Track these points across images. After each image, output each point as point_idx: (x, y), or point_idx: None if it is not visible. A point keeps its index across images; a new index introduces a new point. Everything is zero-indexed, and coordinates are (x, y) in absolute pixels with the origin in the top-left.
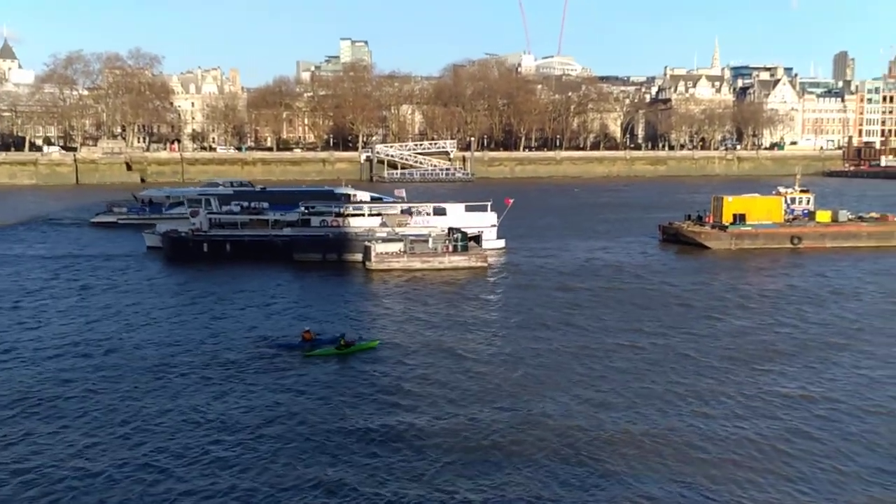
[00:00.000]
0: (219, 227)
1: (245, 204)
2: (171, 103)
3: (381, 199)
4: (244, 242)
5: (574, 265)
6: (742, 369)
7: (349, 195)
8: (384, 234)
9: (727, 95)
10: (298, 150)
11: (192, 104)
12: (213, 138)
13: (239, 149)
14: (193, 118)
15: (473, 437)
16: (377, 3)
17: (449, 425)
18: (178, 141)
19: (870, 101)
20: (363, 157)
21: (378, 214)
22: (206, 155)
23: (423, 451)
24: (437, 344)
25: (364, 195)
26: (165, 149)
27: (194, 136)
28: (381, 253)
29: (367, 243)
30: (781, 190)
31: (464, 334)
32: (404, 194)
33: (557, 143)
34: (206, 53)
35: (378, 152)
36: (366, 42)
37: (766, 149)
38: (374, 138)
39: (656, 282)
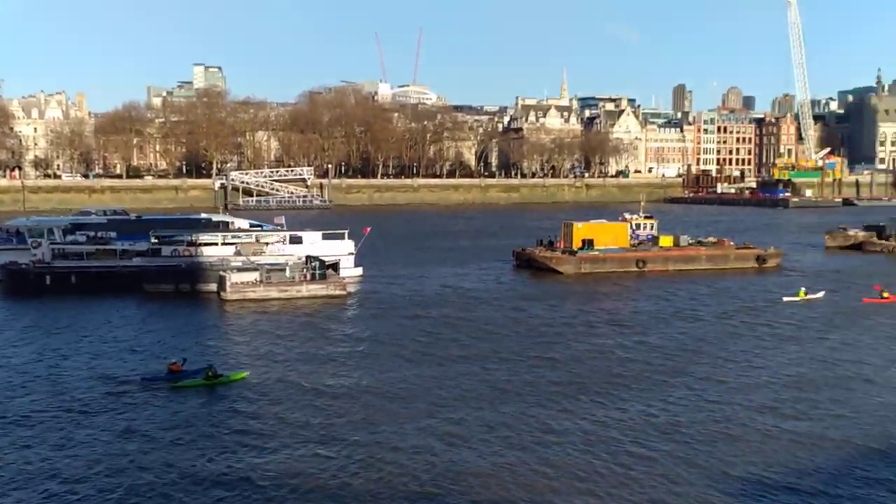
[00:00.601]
0: (63, 257)
1: (91, 234)
2: (11, 128)
3: (260, 226)
4: (90, 274)
5: (431, 292)
6: (587, 395)
7: (227, 223)
8: (239, 264)
9: (575, 125)
10: (150, 178)
11: (35, 129)
12: (59, 165)
13: (86, 176)
14: (36, 144)
15: (324, 477)
16: (231, 28)
17: (303, 466)
18: (19, 168)
19: (706, 131)
20: (217, 184)
21: (232, 243)
22: (50, 182)
23: (275, 495)
24: (295, 376)
25: (243, 223)
26: (5, 176)
27: (37, 163)
28: (237, 283)
29: (221, 273)
30: (627, 216)
31: (322, 365)
32: (283, 221)
33: (414, 171)
34: (50, 77)
35: (233, 179)
36: (220, 68)
37: (612, 176)
38: (228, 165)
39: (509, 308)
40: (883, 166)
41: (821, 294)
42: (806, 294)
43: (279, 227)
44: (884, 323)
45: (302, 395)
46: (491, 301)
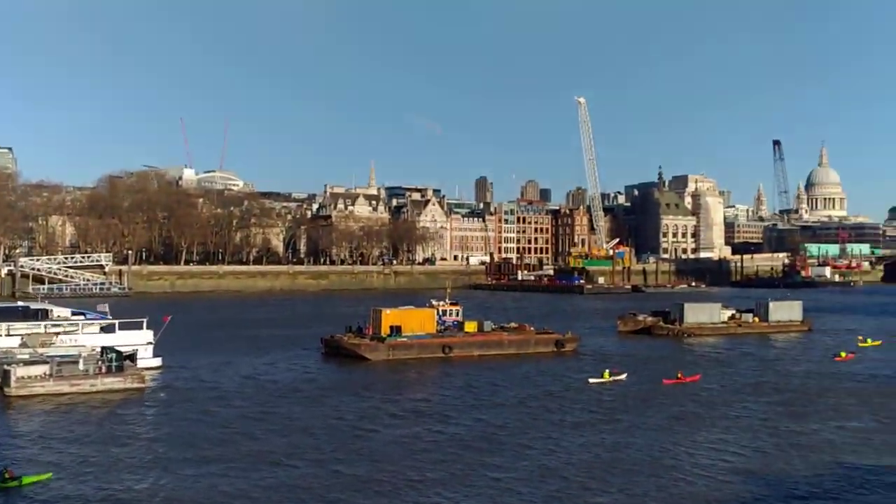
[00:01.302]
0: None
1: None
2: None
3: (83, 314)
4: None
5: (234, 384)
6: (384, 492)
7: (47, 311)
8: (27, 356)
9: (383, 213)
10: None
11: None
12: None
13: None
14: None
15: None
16: (23, 108)
17: None
18: None
19: (506, 221)
20: (5, 270)
21: (18, 334)
22: None
23: None
24: (83, 480)
25: (63, 311)
26: None
27: None
28: (23, 377)
29: (5, 367)
30: (434, 302)
31: (113, 467)
32: (107, 309)
33: (220, 258)
34: None
35: (22, 266)
36: (10, 149)
37: (419, 264)
38: (17, 251)
39: (313, 399)
40: (666, 255)
41: (624, 376)
42: (610, 376)
43: (103, 316)
44: (680, 403)
45: (92, 501)
46: (295, 392)
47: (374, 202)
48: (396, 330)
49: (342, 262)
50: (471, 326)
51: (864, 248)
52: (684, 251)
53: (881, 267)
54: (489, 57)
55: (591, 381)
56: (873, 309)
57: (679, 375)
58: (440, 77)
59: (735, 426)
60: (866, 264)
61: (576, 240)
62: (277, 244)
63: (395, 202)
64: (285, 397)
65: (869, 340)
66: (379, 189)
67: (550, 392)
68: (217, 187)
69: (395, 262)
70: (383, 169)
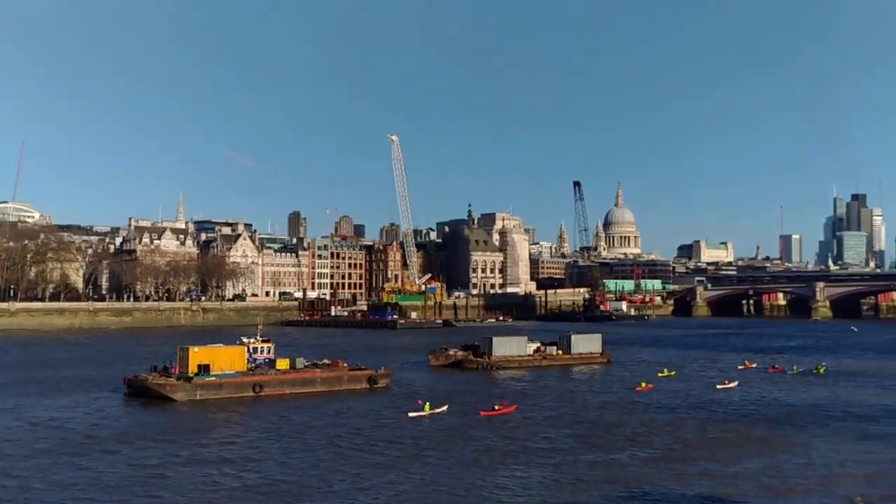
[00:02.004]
0: None
1: None
2: None
3: None
4: None
5: (23, 432)
6: None
7: None
8: None
9: (192, 248)
10: None
11: None
12: None
13: None
14: None
15: None
16: None
17: None
18: None
19: (320, 256)
20: None
21: None
22: None
23: None
24: None
25: None
26: None
27: None
28: None
29: None
30: (244, 339)
31: None
32: None
33: (12, 294)
34: None
35: None
36: None
37: (229, 300)
38: None
39: (108, 446)
40: (476, 290)
41: (444, 408)
42: (431, 408)
43: None
44: (489, 436)
45: None
46: (90, 438)
47: (181, 236)
48: (204, 369)
49: (147, 299)
50: (283, 364)
51: (657, 284)
52: (492, 286)
53: (671, 301)
54: (302, 93)
55: (411, 414)
56: (665, 341)
57: (496, 407)
58: (253, 112)
59: (538, 459)
60: (658, 299)
61: (389, 275)
62: (77, 280)
63: (204, 236)
64: (80, 444)
65: (666, 371)
66: (187, 223)
67: (361, 430)
68: (10, 219)
69: (203, 298)
70: (193, 203)
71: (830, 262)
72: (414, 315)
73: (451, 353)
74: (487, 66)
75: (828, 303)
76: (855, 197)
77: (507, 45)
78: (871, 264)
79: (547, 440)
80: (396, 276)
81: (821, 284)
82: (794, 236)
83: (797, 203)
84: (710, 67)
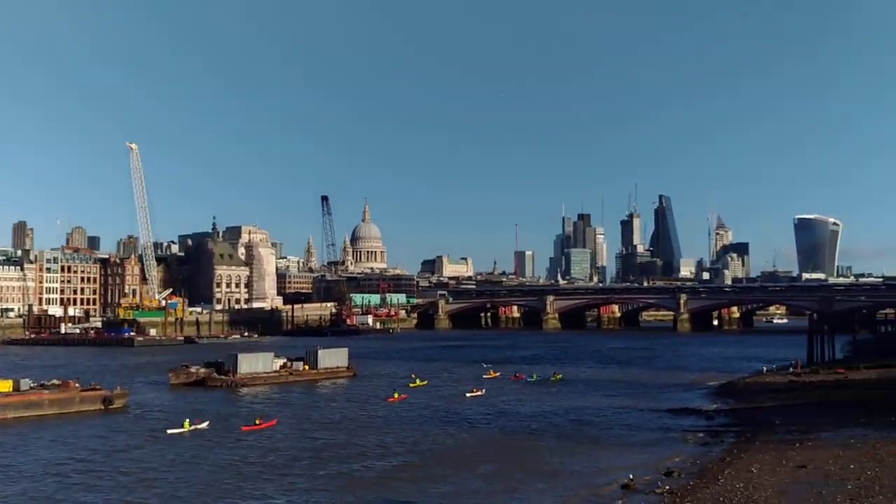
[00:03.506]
0: None
1: None
2: None
3: None
4: None
5: None
6: None
7: None
8: None
9: None
10: None
11: None
12: None
13: None
14: None
15: None
16: None
17: None
18: None
19: (49, 270)
20: None
21: None
22: None
23: None
24: None
25: None
26: None
27: None
28: None
29: None
30: None
31: None
32: None
33: None
34: None
35: None
36: None
37: None
38: None
39: None
40: (220, 306)
41: (205, 424)
42: (191, 425)
43: None
44: (238, 452)
45: None
46: None
47: None
48: None
49: None
50: (5, 386)
51: (402, 298)
52: (238, 301)
53: (415, 315)
54: (35, 92)
55: (169, 431)
56: (410, 353)
57: (258, 422)
58: None
59: (286, 472)
60: (403, 312)
61: (127, 290)
62: None
63: None
64: None
65: (418, 381)
66: None
67: (86, 457)
68: None
69: None
70: None
71: (559, 277)
72: (153, 332)
73: (193, 370)
74: (235, 72)
75: (557, 315)
76: (581, 216)
77: (256, 52)
78: (595, 279)
79: (297, 453)
80: (134, 291)
81: (551, 298)
82: (528, 252)
83: (531, 221)
84: (453, 84)
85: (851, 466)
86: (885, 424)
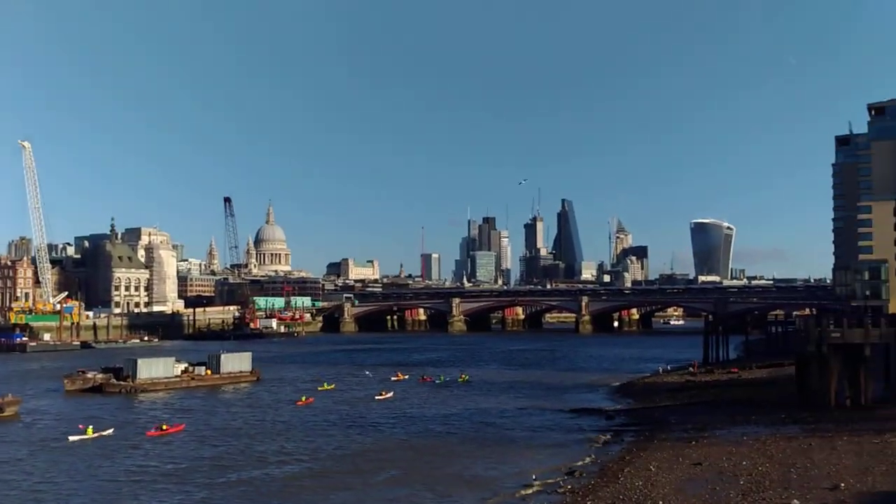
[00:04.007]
0: None
1: None
2: None
3: None
4: None
5: None
6: None
7: None
8: None
9: None
10: None
11: None
12: None
13: None
14: None
15: None
16: None
17: None
18: None
19: None
20: None
21: None
22: None
23: None
24: None
25: None
26: None
27: None
28: None
29: None
30: None
31: None
32: None
33: None
34: None
35: None
36: None
37: None
38: None
39: None
40: (118, 310)
41: (111, 431)
42: (94, 431)
43: None
44: (153, 454)
45: None
46: None
47: None
48: None
49: None
50: None
51: (307, 301)
52: (138, 305)
53: (321, 318)
54: None
55: (71, 438)
56: (315, 357)
57: (164, 427)
58: None
59: (184, 480)
60: (308, 316)
61: (18, 294)
62: None
63: None
64: None
65: (326, 384)
66: None
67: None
68: None
69: None
70: None
71: (465, 280)
72: (47, 337)
73: (90, 376)
74: (131, 71)
75: (463, 317)
76: (486, 220)
77: (151, 51)
78: (500, 282)
79: (193, 461)
80: (27, 295)
81: (457, 300)
82: (434, 255)
83: (437, 224)
84: (356, 84)
85: (744, 462)
86: (775, 421)
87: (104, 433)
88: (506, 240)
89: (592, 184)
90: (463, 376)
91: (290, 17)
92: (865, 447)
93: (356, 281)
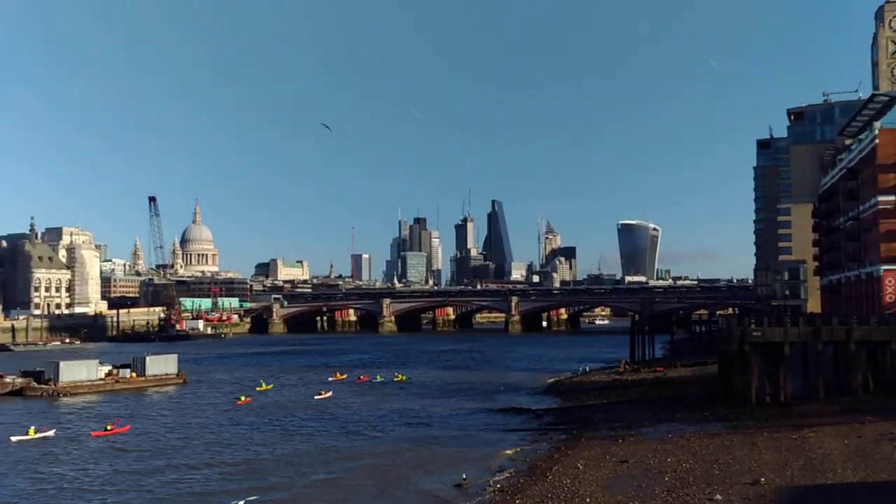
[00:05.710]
0: None
1: None
2: None
3: None
4: None
5: None
6: None
7: None
8: None
9: None
10: None
11: None
12: None
13: None
14: None
15: None
16: None
17: None
18: None
19: None
20: None
21: None
22: None
23: None
24: None
25: None
26: None
27: None
28: None
29: None
30: None
31: None
32: None
33: None
34: None
35: None
36: None
37: None
38: None
39: None
40: (39, 311)
41: (52, 432)
42: (36, 432)
43: None
44: (76, 460)
45: None
46: None
47: None
48: None
49: None
50: None
51: (234, 302)
52: (59, 306)
53: (249, 319)
54: None
55: (13, 439)
56: (242, 358)
57: (109, 427)
58: None
59: (106, 488)
60: (236, 317)
61: None
62: None
63: None
64: None
65: (264, 384)
66: None
67: None
68: None
69: None
70: None
71: (396, 280)
72: None
73: (9, 380)
74: (55, 60)
75: (393, 318)
76: (417, 220)
77: (66, 45)
78: (431, 282)
79: (115, 467)
80: None
81: (387, 301)
82: (365, 256)
83: (368, 224)
84: (286, 80)
85: (669, 459)
86: (699, 419)
87: (46, 434)
88: (437, 240)
89: (522, 185)
90: (399, 376)
91: (213, 11)
92: (784, 443)
93: (285, 281)
